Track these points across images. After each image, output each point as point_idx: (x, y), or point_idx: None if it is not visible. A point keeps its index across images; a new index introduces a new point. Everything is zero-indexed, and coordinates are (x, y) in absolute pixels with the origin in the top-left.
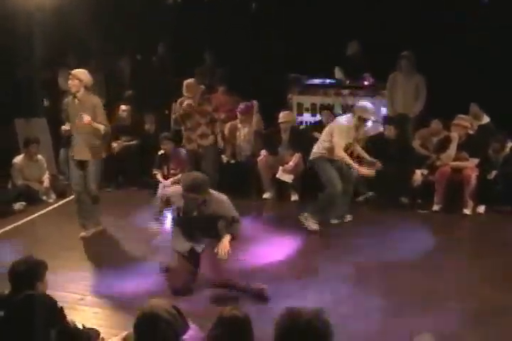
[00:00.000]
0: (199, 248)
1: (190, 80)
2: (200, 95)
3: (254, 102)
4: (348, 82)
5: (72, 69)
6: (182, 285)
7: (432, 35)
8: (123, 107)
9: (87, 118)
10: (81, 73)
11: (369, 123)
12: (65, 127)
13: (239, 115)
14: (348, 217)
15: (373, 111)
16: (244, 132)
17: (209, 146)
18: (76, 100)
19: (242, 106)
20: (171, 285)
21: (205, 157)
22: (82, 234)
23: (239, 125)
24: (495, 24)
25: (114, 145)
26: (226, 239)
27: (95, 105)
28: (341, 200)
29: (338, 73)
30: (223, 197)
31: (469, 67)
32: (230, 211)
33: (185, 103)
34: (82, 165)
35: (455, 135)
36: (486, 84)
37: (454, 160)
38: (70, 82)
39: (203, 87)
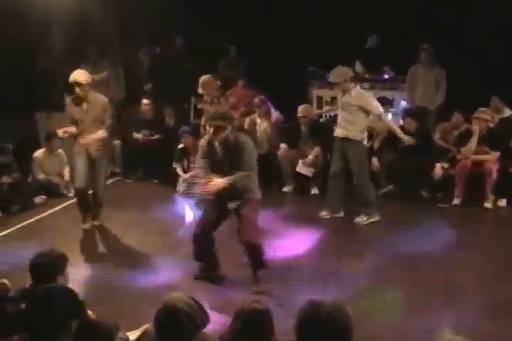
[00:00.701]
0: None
1: (205, 77)
2: (217, 92)
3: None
4: (367, 75)
5: (93, 63)
6: (200, 231)
7: (452, 27)
8: (145, 101)
9: (86, 140)
10: (81, 76)
11: (389, 116)
12: (67, 130)
13: (256, 109)
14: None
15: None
16: (263, 126)
17: None
18: (85, 104)
19: (256, 99)
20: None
21: None
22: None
23: (257, 119)
24: None
25: (138, 136)
26: (226, 178)
27: (105, 103)
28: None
29: (358, 67)
30: (249, 139)
31: (491, 60)
32: (249, 156)
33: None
34: (89, 164)
35: (476, 128)
36: (507, 76)
37: (475, 153)
38: (77, 90)
39: (218, 82)
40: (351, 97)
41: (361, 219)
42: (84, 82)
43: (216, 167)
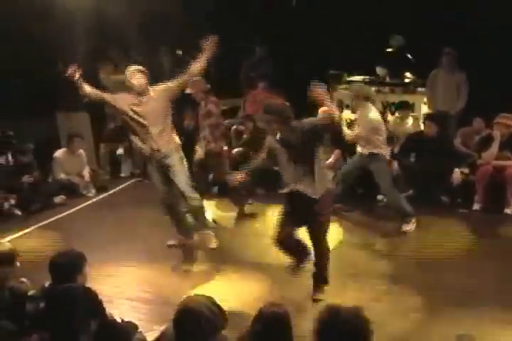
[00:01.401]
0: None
1: (197, 78)
2: (202, 95)
3: None
4: (388, 79)
5: (115, 63)
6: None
7: (475, 32)
8: None
9: None
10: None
11: (410, 121)
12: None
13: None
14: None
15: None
16: None
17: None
18: (145, 98)
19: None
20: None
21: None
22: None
23: None
24: None
25: None
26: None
27: (167, 88)
28: None
29: (380, 70)
30: None
31: (498, 67)
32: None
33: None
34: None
35: (497, 133)
36: None
37: (496, 158)
38: (138, 79)
39: (209, 86)
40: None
41: (408, 228)
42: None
43: None
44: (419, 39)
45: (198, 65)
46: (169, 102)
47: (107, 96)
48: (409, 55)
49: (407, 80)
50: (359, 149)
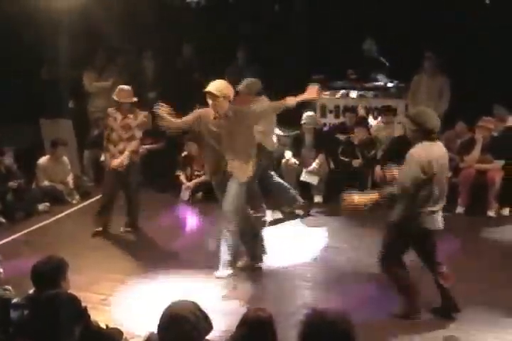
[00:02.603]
0: None
1: (125, 86)
2: (129, 107)
3: None
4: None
5: (98, 70)
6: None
7: (456, 35)
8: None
9: None
10: (223, 88)
11: (393, 126)
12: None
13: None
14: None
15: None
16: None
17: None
18: (223, 120)
19: None
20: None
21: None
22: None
23: None
24: None
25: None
26: None
27: (254, 110)
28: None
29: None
30: None
31: (496, 68)
32: None
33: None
34: None
35: (479, 137)
36: (510, 84)
37: (478, 162)
38: (214, 103)
39: (135, 99)
40: None
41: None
42: (226, 95)
43: None
44: (400, 43)
45: (291, 102)
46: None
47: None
48: (382, 58)
49: (379, 83)
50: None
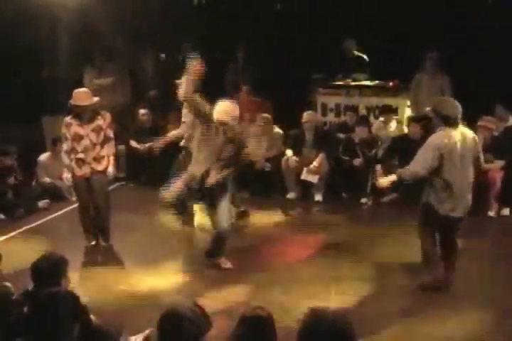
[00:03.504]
0: None
1: (82, 89)
2: (94, 108)
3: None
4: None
5: (98, 68)
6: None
7: (456, 35)
8: (142, 111)
9: None
10: (228, 110)
11: (393, 124)
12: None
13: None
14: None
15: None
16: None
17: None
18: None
19: (262, 118)
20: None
21: (97, 185)
22: None
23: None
24: None
25: (137, 146)
26: None
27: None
28: None
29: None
30: None
31: (497, 68)
32: None
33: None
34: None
35: (480, 137)
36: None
37: None
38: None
39: (97, 98)
40: None
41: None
42: (232, 116)
43: None
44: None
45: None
46: None
47: None
48: (364, 56)
49: (390, 84)
50: None
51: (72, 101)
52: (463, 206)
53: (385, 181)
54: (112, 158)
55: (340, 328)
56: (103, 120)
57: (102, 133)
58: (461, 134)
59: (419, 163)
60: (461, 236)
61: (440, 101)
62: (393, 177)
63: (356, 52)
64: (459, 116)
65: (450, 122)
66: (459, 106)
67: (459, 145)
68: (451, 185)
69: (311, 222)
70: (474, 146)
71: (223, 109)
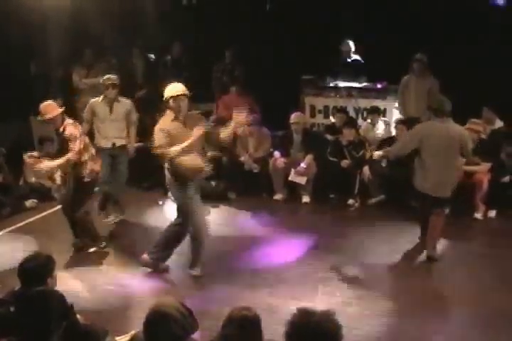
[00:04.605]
0: None
1: (48, 102)
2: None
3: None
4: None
5: (87, 67)
6: None
7: (443, 37)
8: None
9: None
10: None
11: (380, 126)
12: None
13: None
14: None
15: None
16: (252, 142)
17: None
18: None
19: (253, 117)
20: None
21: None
22: None
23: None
24: (508, 25)
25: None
26: None
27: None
28: None
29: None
30: None
31: (482, 70)
32: None
33: None
34: None
35: None
36: (498, 87)
37: (466, 164)
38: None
39: (60, 110)
40: None
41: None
42: None
43: None
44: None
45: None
46: None
47: None
48: (359, 58)
49: (378, 86)
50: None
51: (38, 117)
52: (438, 187)
53: (378, 154)
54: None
55: (327, 329)
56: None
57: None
58: (446, 127)
59: (401, 144)
60: (447, 237)
61: (433, 97)
62: (384, 152)
63: (353, 55)
64: (446, 110)
65: (438, 114)
66: (449, 103)
67: (439, 134)
68: (428, 165)
69: (299, 223)
70: (459, 138)
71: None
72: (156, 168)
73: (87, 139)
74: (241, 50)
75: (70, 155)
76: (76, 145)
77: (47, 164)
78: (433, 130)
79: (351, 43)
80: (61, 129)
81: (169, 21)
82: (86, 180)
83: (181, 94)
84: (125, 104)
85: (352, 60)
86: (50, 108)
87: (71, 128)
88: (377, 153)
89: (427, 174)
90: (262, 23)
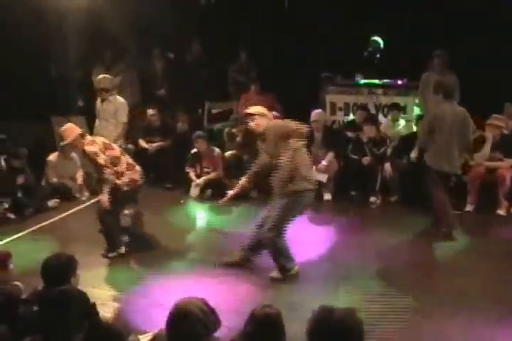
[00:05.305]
0: None
1: (66, 126)
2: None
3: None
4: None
5: (106, 67)
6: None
7: (465, 33)
8: (150, 111)
9: None
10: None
11: (401, 123)
12: None
13: None
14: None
15: None
16: None
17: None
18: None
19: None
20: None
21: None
22: None
23: None
24: None
25: (145, 146)
26: None
27: None
28: None
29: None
30: None
31: (505, 66)
32: None
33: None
34: None
35: (489, 135)
36: None
37: (488, 160)
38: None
39: (78, 131)
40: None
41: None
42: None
43: None
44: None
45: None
46: None
47: None
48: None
49: (399, 82)
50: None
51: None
52: (449, 164)
53: (413, 156)
54: None
55: (349, 326)
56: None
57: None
58: (453, 108)
59: (422, 131)
60: (470, 234)
61: (444, 81)
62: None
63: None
64: (453, 93)
65: (447, 97)
66: (456, 86)
67: (450, 113)
68: (440, 143)
69: (320, 221)
70: (463, 118)
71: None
72: (178, 168)
73: (115, 152)
74: (257, 49)
75: (105, 176)
76: (99, 161)
77: (103, 197)
78: (444, 111)
79: (380, 40)
80: (82, 150)
81: (188, 21)
82: (125, 189)
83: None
84: (115, 103)
85: (378, 57)
86: (68, 132)
87: (88, 147)
88: (412, 156)
89: (440, 153)
90: (281, 21)
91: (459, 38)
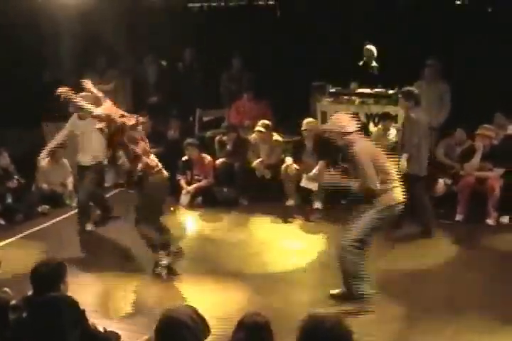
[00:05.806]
0: None
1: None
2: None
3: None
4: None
5: (99, 73)
6: None
7: (456, 43)
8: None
9: None
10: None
11: (393, 132)
12: None
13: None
14: None
15: None
16: (264, 149)
17: None
18: None
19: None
20: None
21: None
22: None
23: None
24: None
25: None
26: None
27: None
28: None
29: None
30: None
31: (495, 76)
32: None
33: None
34: None
35: (479, 145)
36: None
37: (478, 170)
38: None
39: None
40: None
41: None
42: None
43: None
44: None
45: None
46: None
47: None
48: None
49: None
50: None
51: None
52: (424, 166)
53: (403, 165)
54: None
55: (338, 335)
56: None
57: None
58: (423, 114)
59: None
60: (460, 243)
61: (406, 89)
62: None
63: (374, 63)
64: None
65: (418, 103)
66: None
67: (423, 118)
68: (422, 148)
69: (311, 229)
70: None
71: None
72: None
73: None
74: (250, 58)
75: None
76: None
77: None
78: (420, 116)
79: (373, 48)
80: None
81: (181, 28)
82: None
83: None
84: None
85: (371, 66)
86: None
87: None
88: (403, 165)
89: (422, 156)
90: (273, 30)
91: (450, 46)
